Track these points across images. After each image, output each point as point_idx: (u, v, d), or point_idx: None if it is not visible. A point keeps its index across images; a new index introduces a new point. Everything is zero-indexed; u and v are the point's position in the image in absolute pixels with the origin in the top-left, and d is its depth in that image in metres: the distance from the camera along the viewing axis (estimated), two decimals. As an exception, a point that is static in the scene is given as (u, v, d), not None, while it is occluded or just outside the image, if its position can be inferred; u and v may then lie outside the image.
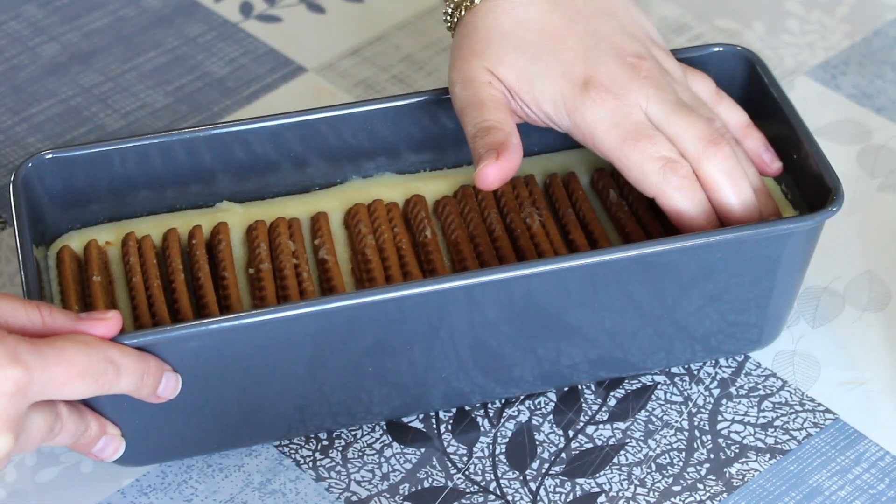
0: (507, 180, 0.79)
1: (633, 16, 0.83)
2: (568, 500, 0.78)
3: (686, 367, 0.84)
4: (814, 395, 0.82)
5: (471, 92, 0.81)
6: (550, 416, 0.82)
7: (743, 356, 0.84)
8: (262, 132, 0.85)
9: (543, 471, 0.79)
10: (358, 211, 0.85)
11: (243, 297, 0.82)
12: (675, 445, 0.80)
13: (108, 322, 0.72)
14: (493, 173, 0.78)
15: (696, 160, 0.79)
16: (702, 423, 0.81)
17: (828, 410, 0.82)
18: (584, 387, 0.83)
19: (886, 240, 0.90)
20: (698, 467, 0.79)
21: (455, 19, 0.84)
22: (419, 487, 0.79)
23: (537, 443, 0.80)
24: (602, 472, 0.79)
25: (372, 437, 0.81)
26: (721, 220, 0.79)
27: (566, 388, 0.83)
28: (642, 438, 0.81)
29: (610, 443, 0.80)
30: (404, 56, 1.04)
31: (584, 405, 0.82)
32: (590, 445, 0.80)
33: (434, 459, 0.80)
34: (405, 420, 0.82)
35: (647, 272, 0.77)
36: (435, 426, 0.82)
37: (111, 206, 0.85)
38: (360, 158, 0.87)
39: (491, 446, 0.80)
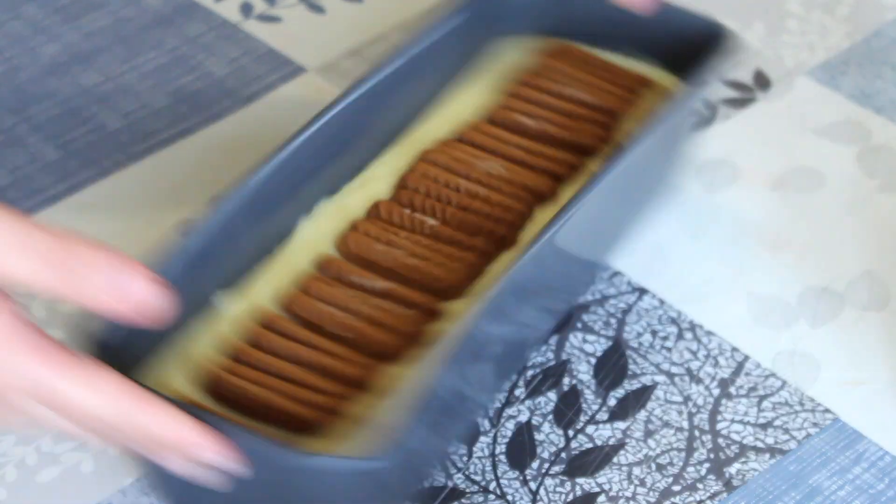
0: None
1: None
2: (568, 499, 0.78)
3: (686, 366, 0.84)
4: (813, 395, 0.83)
5: None
6: (550, 416, 0.82)
7: (743, 356, 0.84)
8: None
9: (543, 470, 0.79)
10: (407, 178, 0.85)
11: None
12: (674, 445, 0.80)
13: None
14: None
15: None
16: (701, 422, 0.81)
17: (827, 410, 0.82)
18: (584, 387, 0.83)
19: (886, 240, 0.91)
20: (698, 467, 0.79)
21: None
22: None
23: (537, 442, 0.81)
24: (602, 472, 0.79)
25: (372, 436, 0.81)
26: None
27: (566, 388, 0.83)
28: (642, 438, 0.81)
29: (610, 443, 0.80)
30: (404, 56, 1.04)
31: (584, 405, 0.82)
32: (590, 445, 0.80)
33: (434, 459, 0.80)
34: (405, 420, 0.82)
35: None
36: (435, 426, 0.82)
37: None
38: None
39: (491, 446, 0.80)
